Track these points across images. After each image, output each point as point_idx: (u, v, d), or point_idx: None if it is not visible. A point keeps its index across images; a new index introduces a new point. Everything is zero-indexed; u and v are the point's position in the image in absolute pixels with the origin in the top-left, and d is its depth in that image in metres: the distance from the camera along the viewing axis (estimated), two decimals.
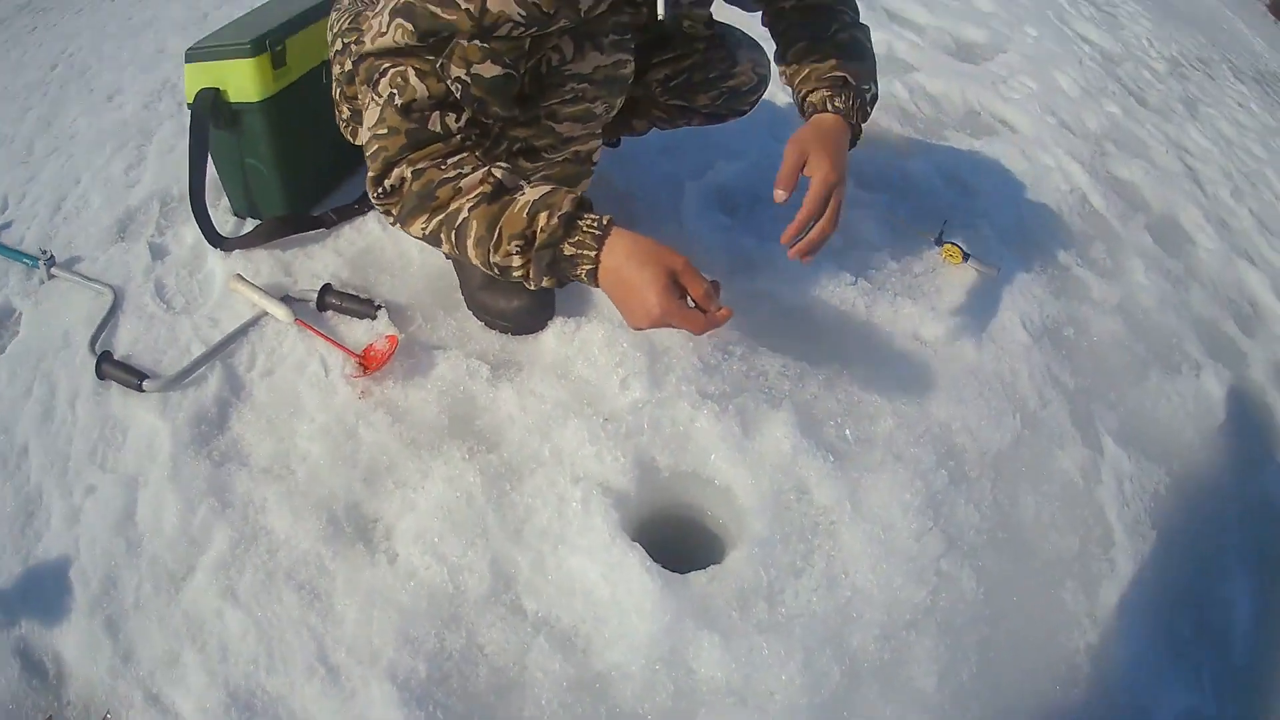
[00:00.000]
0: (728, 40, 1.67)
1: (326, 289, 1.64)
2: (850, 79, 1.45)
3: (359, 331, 1.64)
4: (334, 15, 1.57)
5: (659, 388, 1.58)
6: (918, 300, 1.88)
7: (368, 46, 1.22)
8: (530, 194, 1.17)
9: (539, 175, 1.37)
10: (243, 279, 1.62)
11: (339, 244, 1.84)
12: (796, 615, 1.39)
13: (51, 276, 1.75)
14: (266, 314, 1.58)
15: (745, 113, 1.78)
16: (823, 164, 1.34)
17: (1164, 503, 1.80)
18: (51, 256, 1.77)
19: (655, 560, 1.37)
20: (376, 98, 1.22)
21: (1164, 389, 2.00)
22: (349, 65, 1.52)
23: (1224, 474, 1.97)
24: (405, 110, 1.20)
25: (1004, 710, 1.45)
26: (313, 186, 1.88)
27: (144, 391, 1.44)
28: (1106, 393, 1.92)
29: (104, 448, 1.43)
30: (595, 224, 1.16)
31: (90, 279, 1.71)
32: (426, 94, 1.19)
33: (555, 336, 1.65)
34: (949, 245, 1.98)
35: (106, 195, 2.04)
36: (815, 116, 1.44)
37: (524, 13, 1.15)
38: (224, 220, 1.81)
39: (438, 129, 1.21)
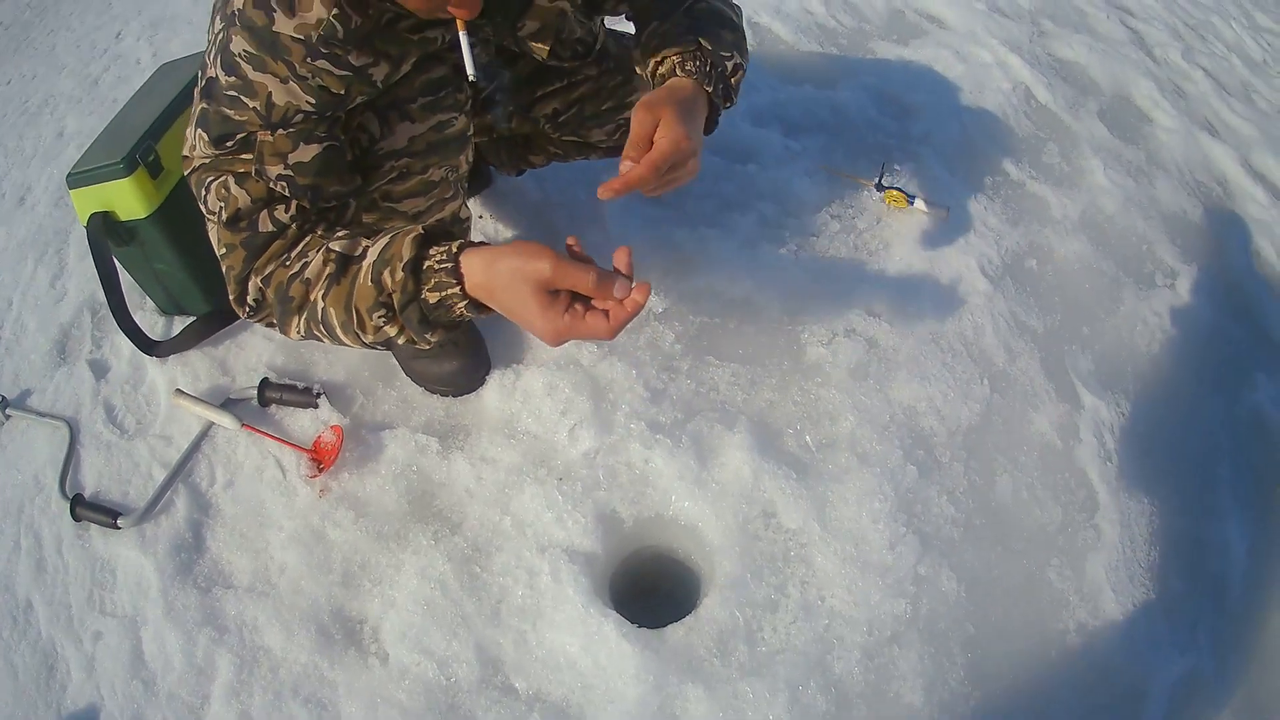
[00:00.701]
0: (623, 60, 1.48)
1: (265, 384, 1.66)
2: (704, 42, 1.23)
3: (305, 421, 1.65)
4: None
5: (608, 431, 1.55)
6: (866, 266, 1.75)
7: (190, 162, 1.19)
8: (370, 255, 1.05)
9: None
10: (183, 393, 1.67)
11: (267, 329, 1.74)
12: (777, 651, 1.36)
13: (8, 417, 1.82)
14: (214, 424, 1.64)
15: None
16: (674, 126, 1.10)
17: (1148, 447, 1.73)
18: (3, 398, 1.85)
19: (634, 612, 1.41)
20: (210, 216, 1.18)
21: (1138, 310, 1.91)
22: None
23: (1211, 394, 1.90)
24: (233, 222, 1.15)
25: (995, 708, 1.41)
26: None
27: (120, 529, 1.52)
28: (1079, 328, 1.82)
29: (99, 591, 1.50)
30: (443, 259, 0.99)
31: (44, 414, 1.79)
32: (249, 199, 1.14)
33: (496, 392, 1.63)
34: (891, 190, 1.83)
35: (39, 316, 2.08)
36: (667, 84, 1.21)
37: (313, 100, 1.09)
38: (153, 321, 1.85)
39: (270, 228, 1.15)
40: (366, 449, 1.58)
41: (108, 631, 1.45)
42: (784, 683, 1.32)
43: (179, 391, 1.67)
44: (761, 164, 1.96)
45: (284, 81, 1.07)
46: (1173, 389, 1.86)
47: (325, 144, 1.12)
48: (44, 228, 2.41)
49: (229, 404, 1.67)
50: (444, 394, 1.64)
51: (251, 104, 1.08)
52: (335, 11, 1.04)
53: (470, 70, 1.07)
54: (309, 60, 1.07)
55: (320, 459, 1.57)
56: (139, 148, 1.59)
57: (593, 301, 0.95)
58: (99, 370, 1.85)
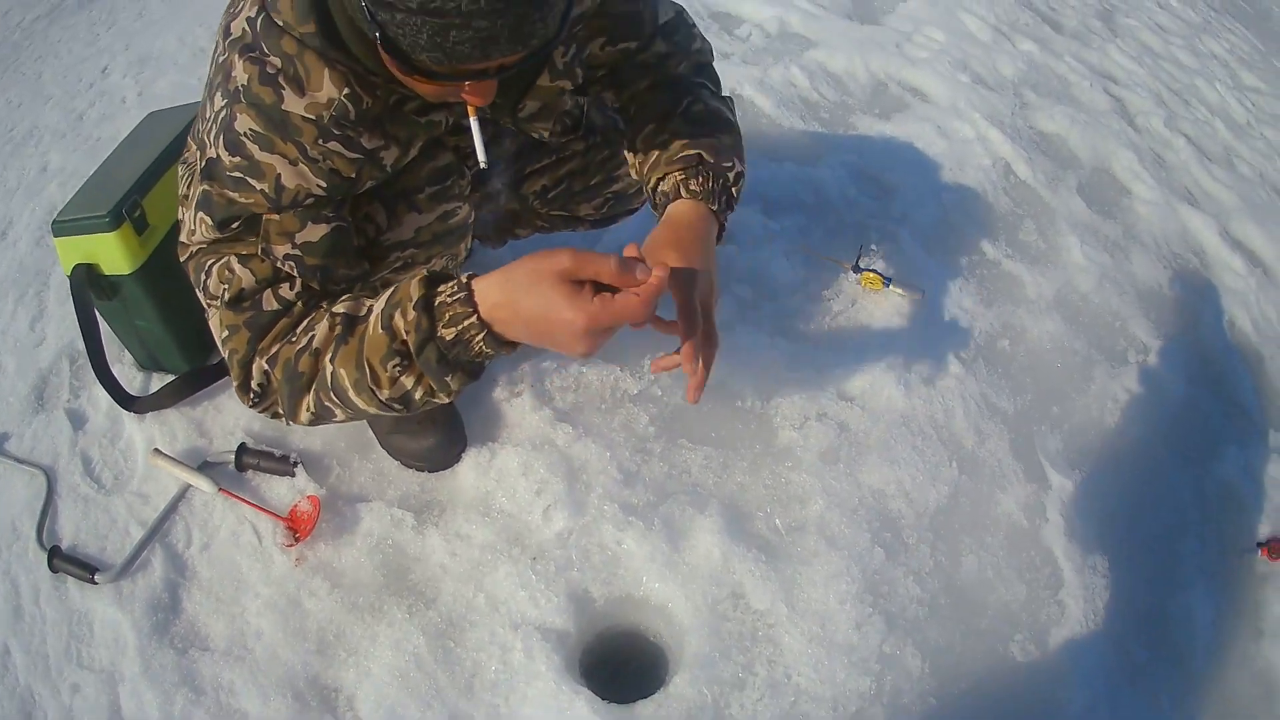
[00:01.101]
0: (609, 133, 1.59)
1: (243, 449, 1.74)
2: (705, 155, 1.25)
3: (281, 489, 1.73)
4: (181, 170, 1.46)
5: (581, 512, 1.66)
6: (841, 349, 1.91)
7: (188, 248, 1.23)
8: (376, 309, 1.06)
9: None
10: (161, 454, 1.73)
11: None
12: None
13: None
14: (191, 486, 1.71)
15: (637, 210, 1.74)
16: (690, 281, 1.11)
17: (1115, 524, 1.88)
18: None
19: (604, 688, 1.50)
20: (212, 302, 1.20)
21: (1109, 387, 2.07)
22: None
23: (1180, 468, 2.06)
24: (236, 302, 1.18)
25: None
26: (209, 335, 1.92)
27: (97, 584, 1.59)
28: (1049, 408, 1.98)
29: (76, 644, 1.56)
30: (455, 290, 0.99)
31: (22, 461, 1.85)
32: (253, 279, 1.16)
33: (472, 469, 1.73)
34: (868, 273, 1.99)
35: (17, 359, 2.14)
36: (669, 210, 1.23)
37: (324, 183, 1.12)
38: (131, 376, 1.91)
39: (275, 306, 1.17)
40: (342, 520, 1.67)
41: (85, 685, 1.52)
42: None
43: (157, 451, 1.75)
44: (740, 244, 2.13)
45: (294, 163, 1.09)
46: (1142, 464, 2.01)
47: (333, 224, 1.16)
48: (25, 266, 2.45)
49: (206, 467, 1.74)
50: (420, 469, 1.72)
51: (259, 186, 1.10)
52: (347, 91, 1.07)
53: (482, 158, 1.07)
54: (320, 142, 1.09)
55: (296, 528, 1.65)
56: (125, 202, 1.64)
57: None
58: (77, 420, 1.91)
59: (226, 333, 1.20)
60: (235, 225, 1.15)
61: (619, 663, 1.63)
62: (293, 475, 1.73)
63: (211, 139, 1.12)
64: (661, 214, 1.25)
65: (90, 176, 1.76)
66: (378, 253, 1.28)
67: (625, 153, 1.40)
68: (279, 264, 1.15)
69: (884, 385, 1.87)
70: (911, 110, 2.67)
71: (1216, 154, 3.02)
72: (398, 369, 1.03)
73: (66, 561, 1.64)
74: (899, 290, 2.00)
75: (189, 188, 1.23)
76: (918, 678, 1.57)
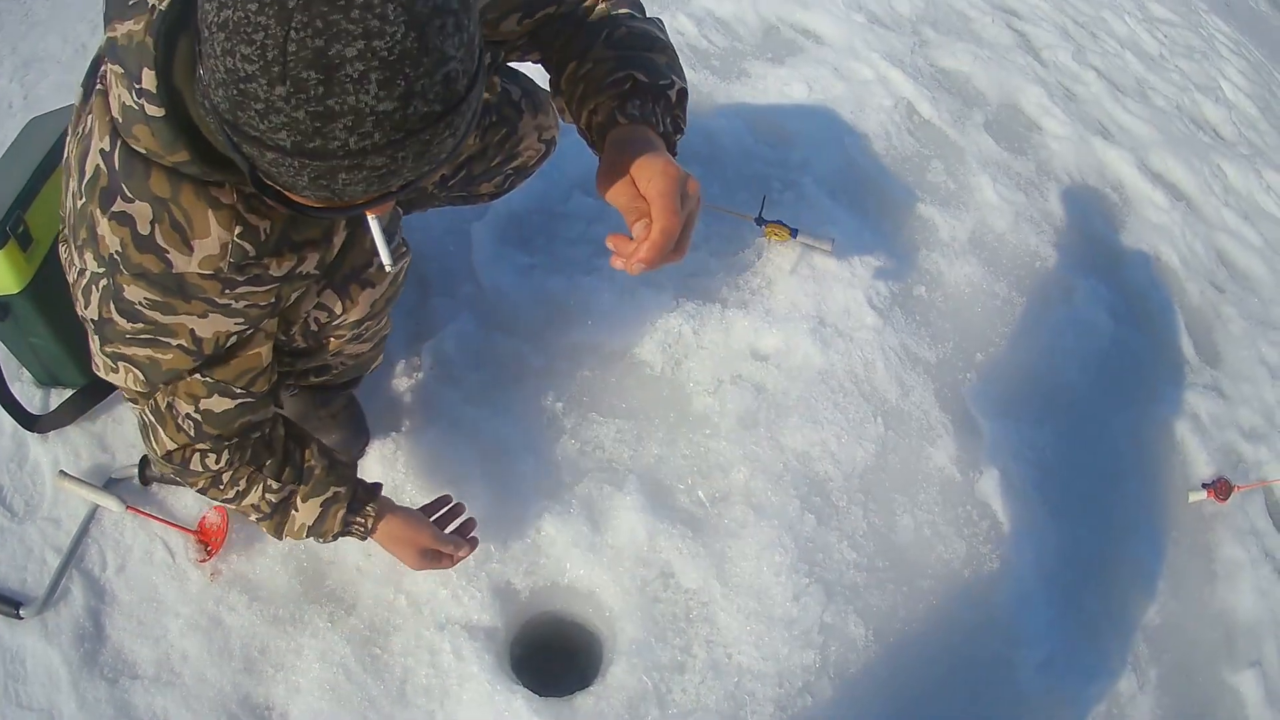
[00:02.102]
0: (506, 112, 1.63)
1: (145, 461, 1.83)
2: (638, 75, 1.20)
3: (188, 499, 1.82)
4: (65, 182, 1.50)
5: (497, 501, 1.75)
6: (749, 307, 2.02)
7: (98, 370, 1.30)
8: (302, 516, 1.45)
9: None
10: (67, 475, 1.83)
11: None
12: (689, 712, 1.60)
13: None
14: (100, 506, 1.81)
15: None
16: (661, 208, 1.06)
17: (1053, 471, 2.06)
18: None
19: (534, 676, 1.63)
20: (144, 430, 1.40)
21: (1035, 330, 2.25)
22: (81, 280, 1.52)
23: (1116, 410, 2.25)
24: (167, 458, 1.36)
25: None
26: None
27: (23, 619, 1.68)
28: (973, 355, 2.15)
29: (13, 684, 1.64)
30: (363, 531, 1.49)
31: None
32: (172, 445, 1.32)
33: (378, 463, 1.81)
34: (772, 225, 2.10)
35: None
36: (609, 138, 1.17)
37: (242, 320, 1.20)
38: (31, 394, 1.98)
39: (199, 469, 1.37)
40: (252, 529, 1.73)
41: None
42: None
43: (63, 473, 1.83)
44: None
45: (204, 316, 1.15)
46: (1075, 408, 2.20)
47: (239, 401, 1.29)
48: None
49: (111, 484, 1.83)
50: None
51: (175, 342, 1.17)
52: (239, 230, 1.07)
53: (387, 261, 1.12)
54: (227, 292, 1.14)
55: (208, 540, 1.75)
56: (8, 219, 1.70)
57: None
58: None
59: (160, 463, 1.39)
60: (165, 384, 1.26)
61: (548, 650, 1.72)
62: None
63: (85, 295, 1.17)
64: (600, 147, 1.19)
65: None
66: (332, 332, 1.44)
67: (552, 102, 1.42)
68: (180, 421, 1.29)
69: (798, 342, 2.00)
70: (806, 53, 2.82)
71: (1129, 87, 3.27)
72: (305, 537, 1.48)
73: None
74: (806, 240, 2.12)
75: (82, 297, 1.22)
76: (863, 646, 1.70)
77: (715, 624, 1.66)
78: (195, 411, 1.27)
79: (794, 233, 2.12)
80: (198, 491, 1.44)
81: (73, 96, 1.90)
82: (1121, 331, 2.39)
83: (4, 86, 3.27)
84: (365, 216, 1.06)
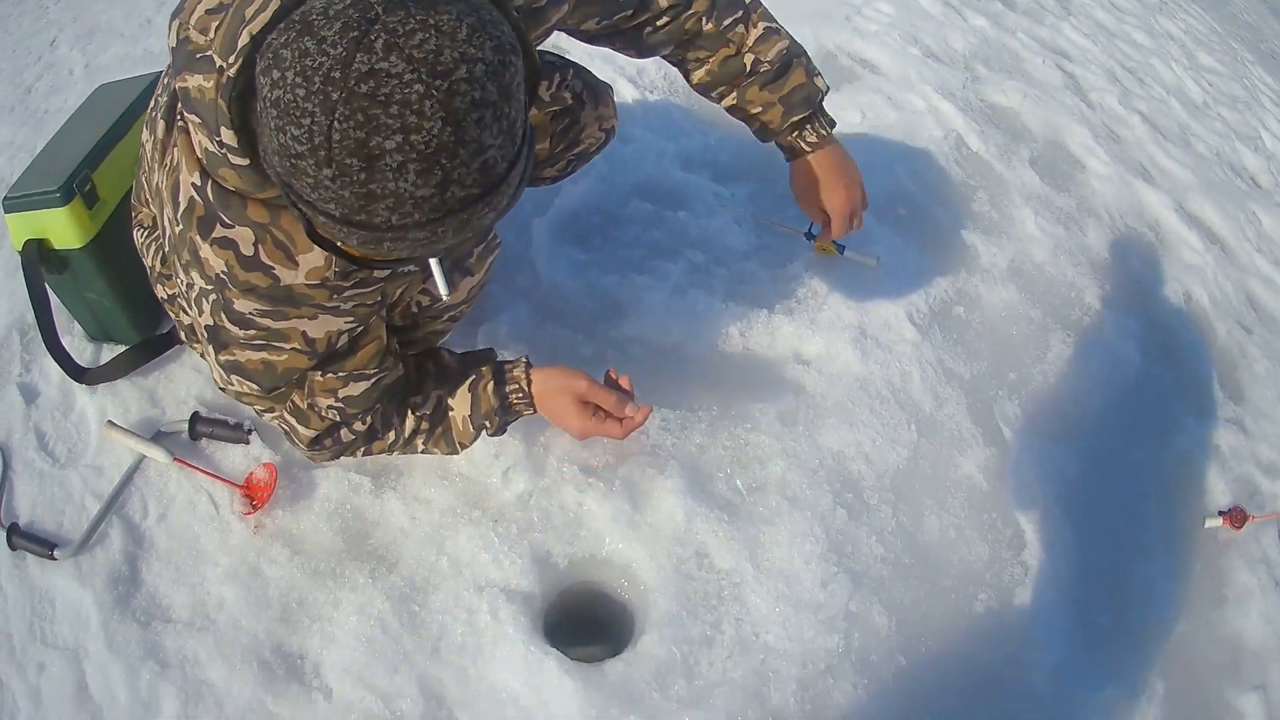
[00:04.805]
0: (569, 104, 1.71)
1: (195, 418, 1.86)
2: (802, 115, 1.72)
3: (236, 457, 1.86)
4: (139, 237, 1.65)
5: (541, 474, 1.81)
6: (795, 314, 2.08)
7: (219, 384, 1.40)
8: (458, 409, 1.56)
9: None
10: (115, 425, 1.85)
11: (196, 359, 2.02)
12: (715, 685, 1.63)
13: None
14: (146, 456, 1.84)
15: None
16: (837, 224, 1.83)
17: (1075, 489, 2.08)
18: None
19: (573, 647, 1.67)
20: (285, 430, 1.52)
21: (1066, 356, 2.27)
22: (158, 264, 1.64)
23: (1138, 438, 2.27)
24: (316, 443, 1.48)
25: None
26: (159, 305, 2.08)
27: (56, 560, 1.70)
28: (1005, 374, 2.18)
29: (40, 622, 1.67)
30: (521, 395, 1.57)
31: None
32: (318, 432, 1.45)
33: None
34: (821, 240, 2.15)
35: None
36: (802, 165, 1.79)
37: (352, 319, 1.27)
38: (81, 348, 2.03)
39: (351, 438, 1.51)
40: (299, 487, 1.80)
41: (50, 663, 1.63)
42: (723, 713, 1.59)
43: (110, 423, 1.87)
44: (692, 211, 2.31)
45: (314, 319, 1.21)
46: (1099, 434, 2.21)
47: (375, 379, 1.39)
48: None
49: (160, 437, 1.87)
50: None
51: (289, 346, 1.24)
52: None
53: (444, 293, 1.17)
54: (334, 298, 1.20)
55: (253, 495, 1.78)
56: (76, 176, 1.77)
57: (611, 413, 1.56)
58: (29, 394, 2.03)
59: (312, 450, 1.52)
60: (282, 388, 1.36)
61: (581, 620, 1.77)
62: (247, 443, 1.86)
63: (198, 307, 1.23)
64: (791, 155, 1.81)
65: (40, 151, 1.89)
66: (432, 313, 1.54)
67: (713, 96, 1.75)
68: (323, 414, 1.40)
69: (840, 349, 2.05)
70: (862, 82, 2.88)
71: (1172, 132, 3.28)
72: (478, 439, 1.61)
73: (25, 539, 1.74)
74: (853, 256, 2.18)
75: (194, 307, 1.28)
76: (885, 635, 1.74)
77: (745, 604, 1.71)
78: (336, 401, 1.38)
79: (841, 249, 2.18)
80: (361, 456, 1.58)
81: (135, 69, 2.03)
82: (1148, 364, 2.40)
83: (65, 54, 3.41)
84: None
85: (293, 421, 1.44)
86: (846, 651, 1.70)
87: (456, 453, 1.62)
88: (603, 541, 1.75)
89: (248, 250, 1.12)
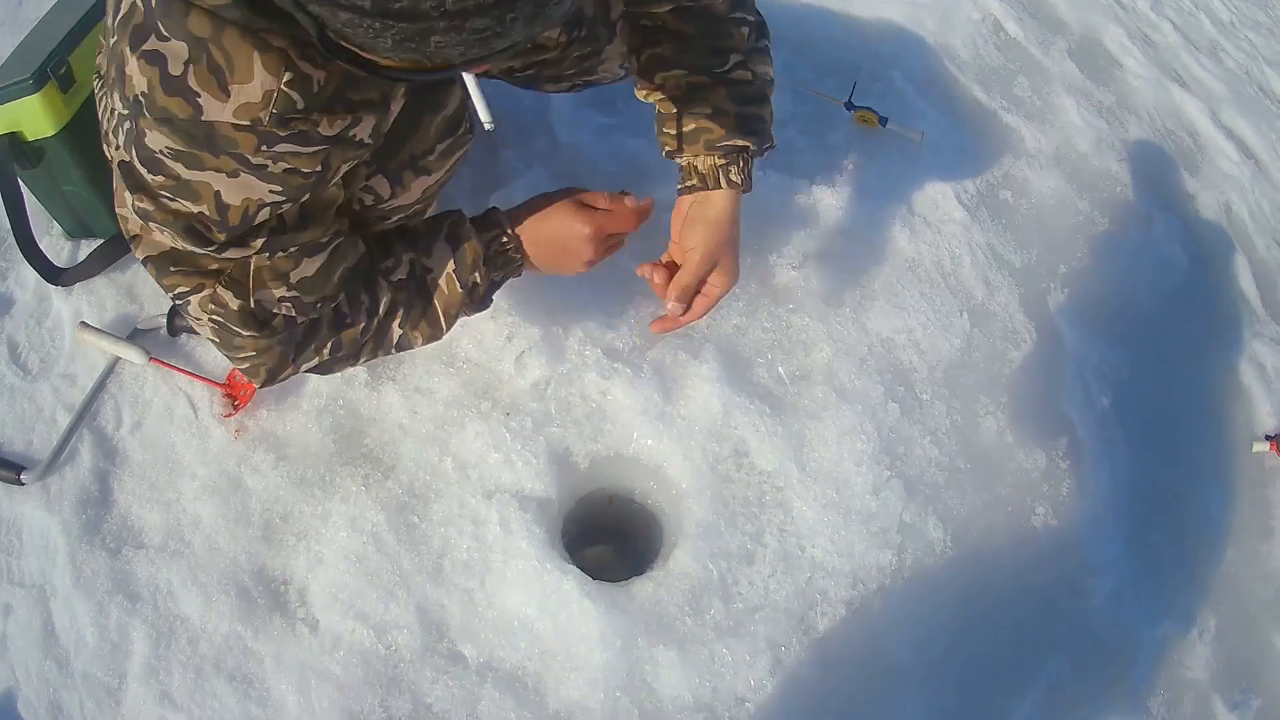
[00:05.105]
0: (597, 30, 1.43)
1: (174, 311, 1.69)
2: (751, 145, 1.31)
3: (219, 353, 1.60)
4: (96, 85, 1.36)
5: (560, 359, 1.60)
6: (837, 185, 1.86)
7: (139, 240, 1.12)
8: (447, 270, 1.28)
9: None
10: (88, 326, 1.70)
11: None
12: (756, 608, 1.45)
13: None
14: (121, 359, 1.69)
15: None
16: (727, 273, 1.33)
17: (1131, 398, 1.90)
18: None
19: (594, 564, 1.50)
20: (197, 322, 1.18)
21: (1116, 254, 2.08)
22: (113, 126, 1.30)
23: (1185, 347, 2.09)
24: (262, 325, 1.16)
25: (982, 667, 1.53)
26: None
27: (24, 484, 1.55)
28: (1056, 265, 1.98)
29: (6, 558, 1.51)
30: (507, 241, 1.31)
31: None
32: (258, 338, 1.17)
33: None
34: (862, 111, 1.95)
35: None
36: (706, 200, 1.33)
37: (279, 188, 1.00)
38: (60, 247, 1.87)
39: (306, 335, 1.24)
40: (287, 382, 1.56)
41: (17, 604, 1.46)
42: (765, 642, 1.41)
43: (84, 324, 1.70)
44: None
45: (233, 175, 0.97)
46: (1151, 337, 2.04)
47: (330, 248, 1.13)
48: None
49: (136, 334, 1.71)
50: None
51: (197, 208, 0.99)
52: (288, 77, 0.90)
53: (486, 118, 0.99)
54: (265, 148, 0.95)
55: (235, 394, 1.61)
56: (51, 60, 1.62)
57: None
58: (3, 305, 1.84)
59: (247, 362, 1.21)
60: (211, 248, 1.05)
61: (600, 530, 1.61)
62: None
63: (114, 137, 1.02)
64: (684, 178, 1.36)
65: (16, 47, 1.74)
66: (378, 215, 1.24)
67: (640, 83, 1.40)
68: (275, 309, 1.14)
69: (887, 225, 1.84)
70: None
71: (1203, 44, 3.13)
72: (463, 311, 1.31)
73: None
74: (896, 129, 1.96)
75: (113, 137, 1.06)
76: (940, 551, 1.55)
77: (789, 511, 1.51)
78: (288, 291, 1.12)
79: (884, 121, 1.95)
80: (327, 365, 1.30)
81: None
82: (1195, 271, 2.23)
83: None
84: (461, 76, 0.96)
85: (230, 299, 1.12)
86: (899, 569, 1.52)
87: (440, 335, 1.33)
88: (630, 437, 1.54)
89: (175, 69, 0.89)
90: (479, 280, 1.28)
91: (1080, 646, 1.61)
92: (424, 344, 1.33)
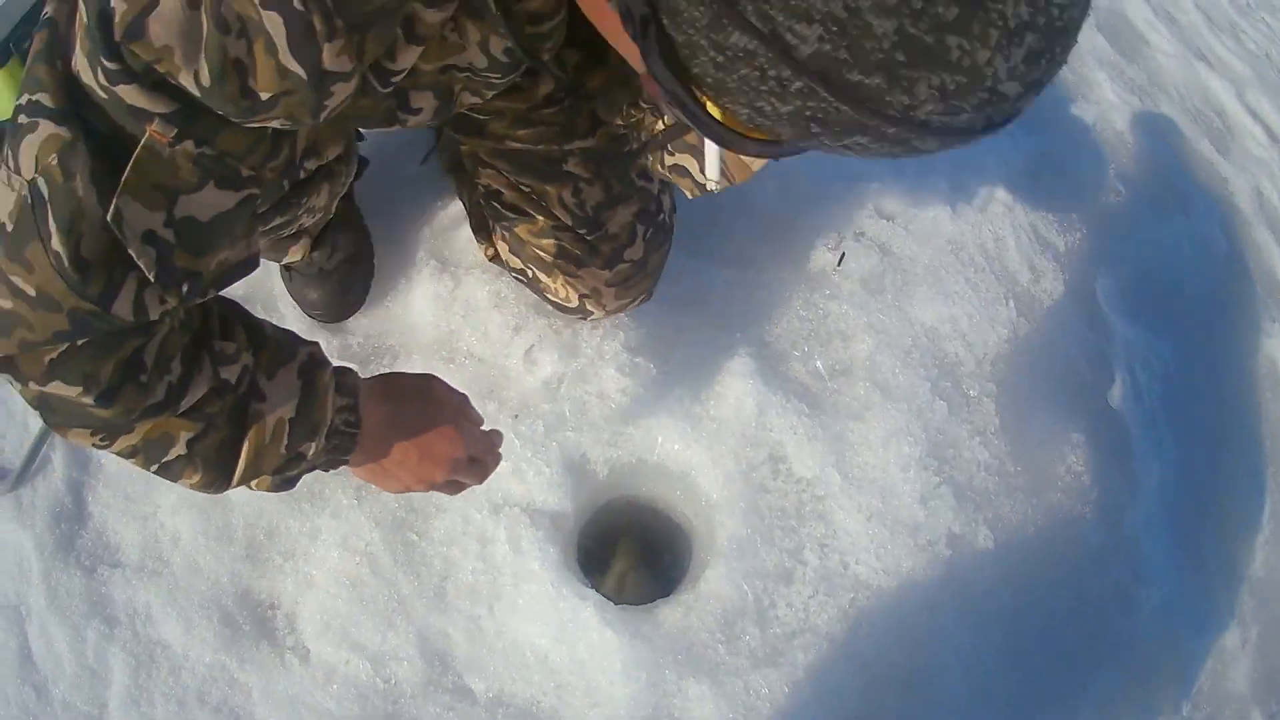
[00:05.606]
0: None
1: None
2: None
3: None
4: None
5: (574, 353, 1.46)
6: (873, 161, 1.66)
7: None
8: (273, 401, 0.88)
9: None
10: None
11: None
12: (795, 633, 1.35)
13: None
14: None
15: None
16: None
17: (1175, 388, 1.79)
18: None
19: (615, 584, 1.41)
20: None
21: (1155, 235, 1.97)
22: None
23: (1228, 335, 1.99)
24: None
25: (1032, 689, 1.43)
26: None
27: None
28: (1101, 248, 1.86)
29: None
30: (350, 416, 0.95)
31: None
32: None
33: (430, 303, 1.50)
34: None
35: None
36: None
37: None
38: None
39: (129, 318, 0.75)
40: None
41: None
42: (805, 671, 1.30)
43: None
44: None
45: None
46: (1195, 325, 1.93)
47: (244, 194, 0.76)
48: None
49: None
50: (320, 319, 1.55)
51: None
52: None
53: (714, 176, 1.09)
54: None
55: None
56: (14, 35, 1.47)
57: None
58: None
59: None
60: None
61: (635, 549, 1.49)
62: None
63: None
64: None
65: None
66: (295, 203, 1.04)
67: None
68: (128, 243, 0.70)
69: (928, 204, 1.69)
70: None
71: (1223, 24, 3.04)
72: (267, 479, 0.94)
73: None
74: None
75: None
76: (991, 565, 1.43)
77: (831, 524, 1.38)
78: (167, 223, 0.71)
79: None
80: (86, 445, 0.87)
81: None
82: (1235, 255, 2.12)
83: None
84: None
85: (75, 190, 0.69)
86: (946, 585, 1.39)
87: (217, 487, 0.91)
88: (654, 442, 1.42)
89: None
90: (311, 451, 0.92)
91: (1130, 663, 1.50)
92: (191, 486, 0.90)
